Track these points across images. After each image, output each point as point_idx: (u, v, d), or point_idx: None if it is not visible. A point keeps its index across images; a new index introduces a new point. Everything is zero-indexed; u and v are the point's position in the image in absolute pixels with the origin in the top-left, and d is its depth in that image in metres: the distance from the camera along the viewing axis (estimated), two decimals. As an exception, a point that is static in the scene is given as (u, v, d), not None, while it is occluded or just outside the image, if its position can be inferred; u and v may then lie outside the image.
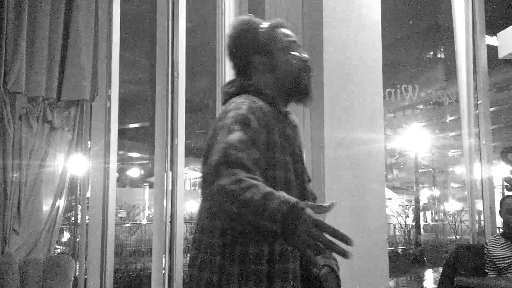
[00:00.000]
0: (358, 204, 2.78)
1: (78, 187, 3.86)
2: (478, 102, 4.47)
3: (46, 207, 3.16)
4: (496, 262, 3.52)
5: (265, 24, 1.59)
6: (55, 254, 4.21)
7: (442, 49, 39.77)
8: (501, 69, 26.38)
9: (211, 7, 3.73)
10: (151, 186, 22.73)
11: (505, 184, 3.79)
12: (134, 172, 29.97)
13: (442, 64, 37.03)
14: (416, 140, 18.77)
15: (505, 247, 3.55)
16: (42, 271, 3.00)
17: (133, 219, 18.49)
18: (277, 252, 1.34)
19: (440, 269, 4.24)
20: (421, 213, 22.01)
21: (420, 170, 20.92)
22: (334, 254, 1.11)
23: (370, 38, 3.00)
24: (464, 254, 3.75)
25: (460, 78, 4.50)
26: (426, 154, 25.84)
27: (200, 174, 1.34)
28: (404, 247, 16.66)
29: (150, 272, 3.49)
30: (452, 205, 26.08)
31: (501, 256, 3.52)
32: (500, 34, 6.07)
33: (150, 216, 18.16)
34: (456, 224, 20.18)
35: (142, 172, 30.09)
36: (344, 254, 1.04)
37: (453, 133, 27.83)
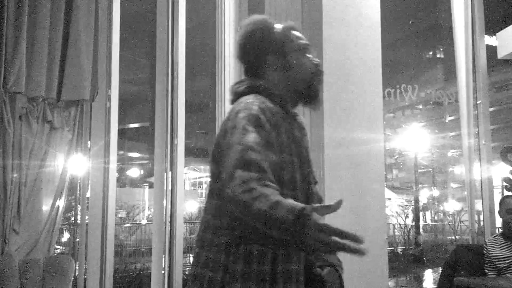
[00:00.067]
0: (358, 204, 2.78)
1: (78, 187, 3.87)
2: (478, 102, 4.48)
3: (46, 207, 3.16)
4: (496, 262, 3.52)
5: (280, 25, 1.59)
6: (55, 254, 4.22)
7: (441, 49, 39.73)
8: (500, 69, 26.36)
9: (211, 7, 3.74)
10: (151, 186, 22.70)
11: (505, 184, 3.80)
12: (134, 172, 29.94)
13: (441, 64, 36.97)
14: (415, 140, 18.74)
15: (504, 247, 3.54)
16: (42, 271, 3.00)
17: (133, 219, 18.46)
18: (280, 253, 1.35)
19: (440, 269, 4.23)
20: (421, 213, 22.00)
21: (419, 170, 20.89)
22: (343, 254, 1.12)
23: (369, 38, 3.01)
24: (463, 254, 3.75)
25: (460, 78, 4.51)
26: (425, 154, 25.83)
27: (205, 174, 1.35)
28: (404, 247, 16.65)
29: (150, 272, 3.48)
30: (451, 205, 26.05)
31: (501, 256, 3.52)
32: (499, 34, 6.09)
33: (150, 216, 18.16)
34: (456, 224, 20.17)
35: (142, 172, 30.07)
36: (358, 252, 1.04)
37: (452, 133, 27.85)
